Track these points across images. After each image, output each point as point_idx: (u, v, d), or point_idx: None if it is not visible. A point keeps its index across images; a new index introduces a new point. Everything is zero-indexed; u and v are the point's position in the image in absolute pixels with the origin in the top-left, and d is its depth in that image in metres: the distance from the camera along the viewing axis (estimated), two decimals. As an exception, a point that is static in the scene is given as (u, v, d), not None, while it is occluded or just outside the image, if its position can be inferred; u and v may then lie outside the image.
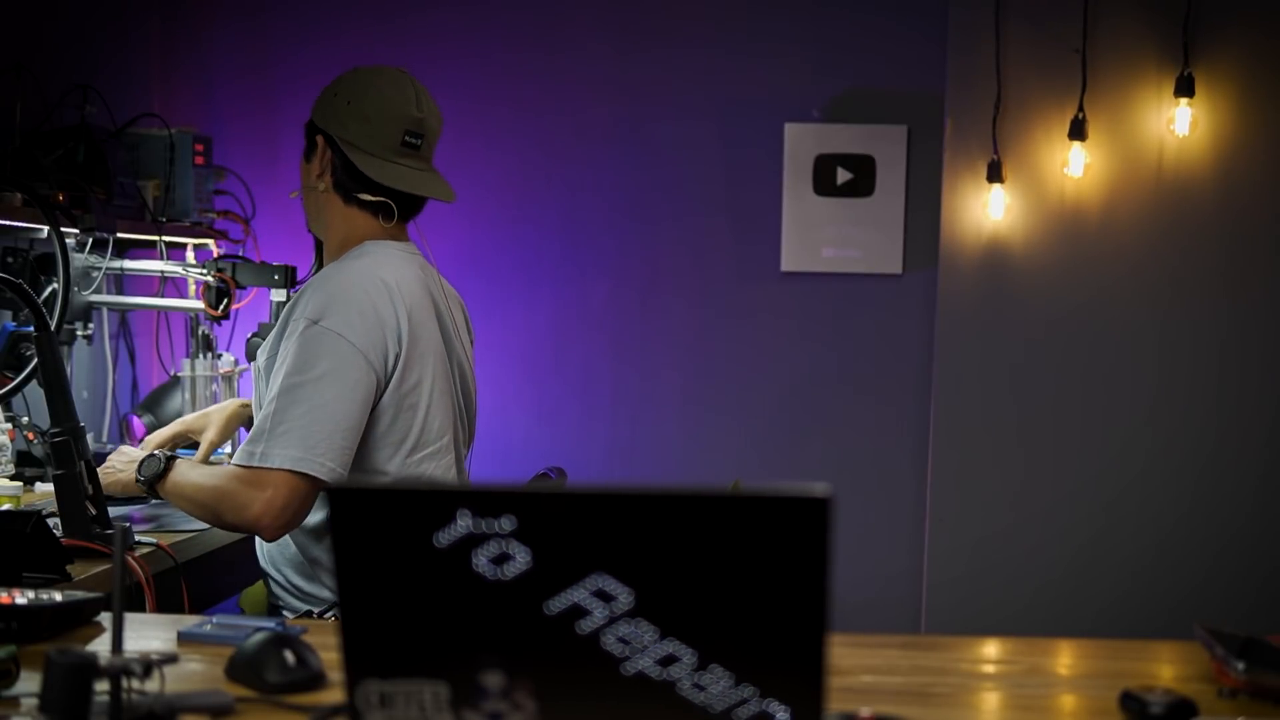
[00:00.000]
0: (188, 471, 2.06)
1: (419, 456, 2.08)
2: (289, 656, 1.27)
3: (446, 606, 0.87)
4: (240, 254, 3.19)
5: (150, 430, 3.03)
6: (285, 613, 2.13)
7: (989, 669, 1.45)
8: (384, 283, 2.03)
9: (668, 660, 0.86)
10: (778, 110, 3.45)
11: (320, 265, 2.68)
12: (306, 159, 2.15)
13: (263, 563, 2.19)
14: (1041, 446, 3.34)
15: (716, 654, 0.85)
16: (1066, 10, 3.24)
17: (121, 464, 2.17)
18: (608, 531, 0.85)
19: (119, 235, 2.80)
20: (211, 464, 2.23)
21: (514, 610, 0.86)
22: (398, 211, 2.13)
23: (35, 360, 1.93)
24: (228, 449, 2.70)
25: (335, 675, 1.26)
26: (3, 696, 1.21)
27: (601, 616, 0.85)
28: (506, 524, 0.85)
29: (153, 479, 2.06)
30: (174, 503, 2.08)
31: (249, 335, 2.67)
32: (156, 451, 2.11)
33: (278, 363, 1.99)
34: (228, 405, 2.42)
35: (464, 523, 0.85)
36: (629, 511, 0.85)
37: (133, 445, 2.99)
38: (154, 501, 2.25)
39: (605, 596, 0.85)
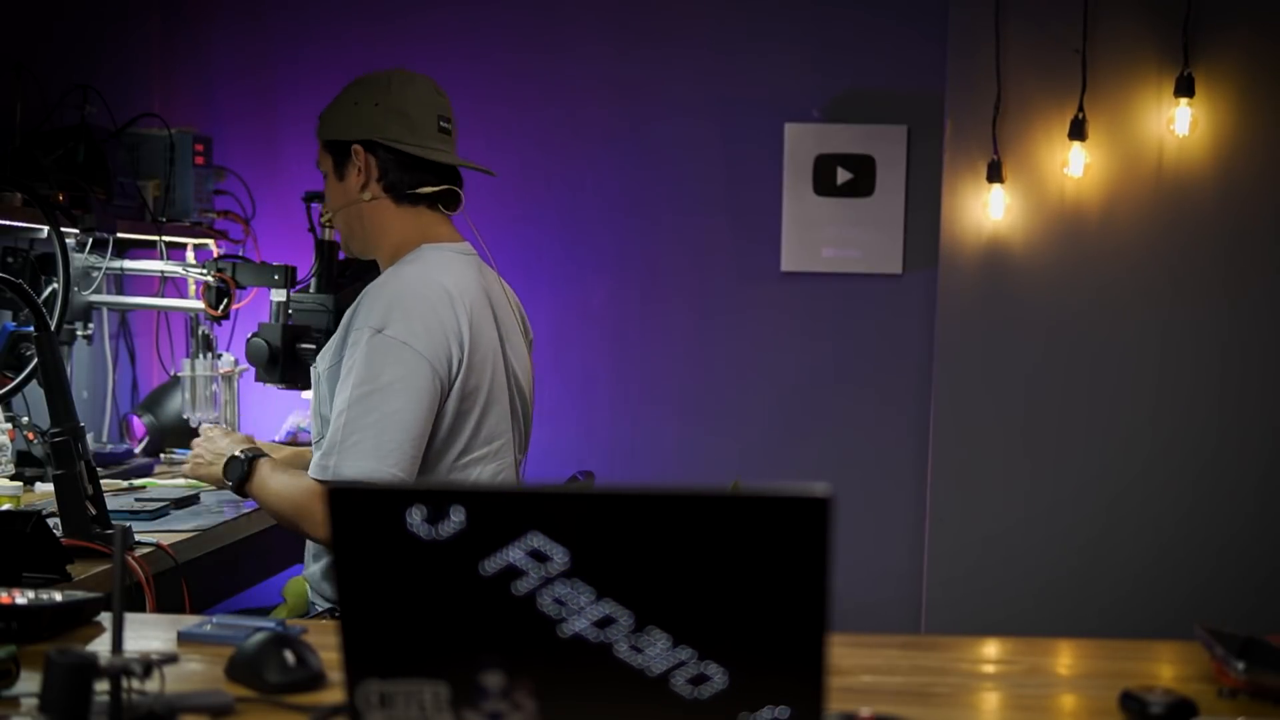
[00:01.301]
0: (268, 479, 2.09)
1: (466, 460, 2.08)
2: (289, 656, 1.27)
3: (446, 606, 0.87)
4: (240, 254, 3.19)
5: (150, 430, 3.03)
6: (317, 605, 2.16)
7: (989, 669, 1.45)
8: (444, 289, 2.04)
9: (668, 659, 0.86)
10: (778, 110, 3.45)
11: (322, 268, 2.68)
12: (339, 177, 2.14)
13: (306, 555, 2.23)
14: (1042, 446, 3.34)
15: (718, 654, 0.85)
16: (1066, 10, 3.24)
17: (211, 455, 2.19)
18: (608, 532, 0.85)
19: (119, 235, 2.80)
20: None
21: (514, 611, 0.86)
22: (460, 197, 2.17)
23: (35, 360, 1.93)
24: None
25: (335, 675, 1.26)
26: (3, 696, 1.21)
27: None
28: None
29: (239, 481, 2.11)
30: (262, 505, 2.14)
31: (249, 335, 2.66)
32: (239, 453, 2.13)
33: (342, 372, 2.00)
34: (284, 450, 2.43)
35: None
36: (629, 512, 0.85)
37: (133, 445, 3.00)
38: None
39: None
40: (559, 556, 0.85)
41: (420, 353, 1.96)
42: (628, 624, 0.85)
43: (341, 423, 1.95)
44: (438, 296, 2.02)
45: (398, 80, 2.12)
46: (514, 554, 0.85)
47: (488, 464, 2.11)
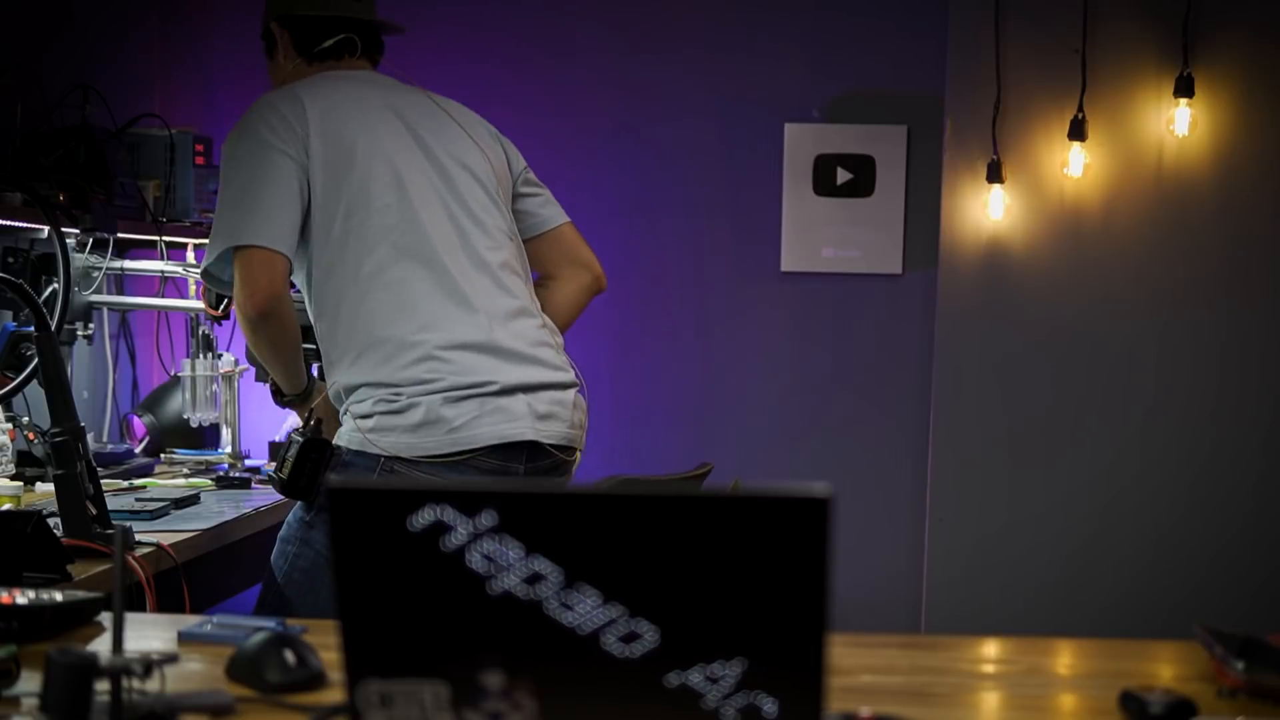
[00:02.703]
0: None
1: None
2: (289, 656, 1.27)
3: (447, 606, 0.87)
4: (240, 254, 3.19)
5: (150, 430, 3.03)
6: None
7: (989, 669, 1.45)
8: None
9: (668, 659, 0.86)
10: (778, 110, 3.45)
11: None
12: (270, 58, 2.30)
13: None
14: (1041, 446, 3.34)
15: (717, 654, 0.85)
16: (1066, 10, 3.24)
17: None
18: (608, 533, 0.85)
19: (119, 235, 2.80)
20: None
21: (515, 611, 0.86)
22: (360, 44, 2.27)
23: (36, 360, 1.93)
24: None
25: (335, 675, 1.26)
26: (3, 696, 1.21)
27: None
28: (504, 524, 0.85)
29: (276, 394, 2.25)
30: (278, 379, 2.23)
31: (249, 335, 2.66)
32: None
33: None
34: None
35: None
36: (629, 512, 0.85)
37: (133, 445, 3.00)
38: None
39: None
40: (559, 558, 0.85)
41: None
42: (628, 624, 0.85)
43: None
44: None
45: None
46: (515, 555, 0.85)
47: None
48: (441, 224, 2.10)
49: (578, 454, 2.16)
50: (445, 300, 2.06)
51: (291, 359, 2.14)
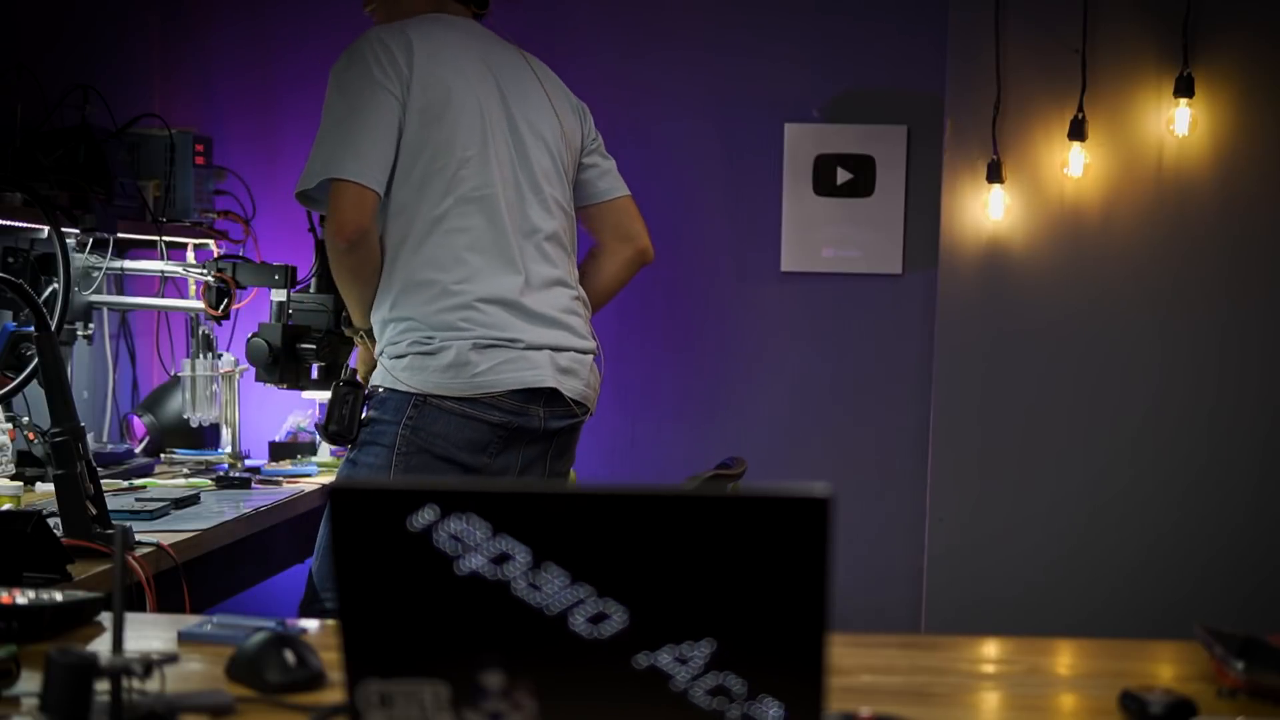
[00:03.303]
0: None
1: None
2: (289, 656, 1.27)
3: (447, 606, 0.87)
4: (240, 254, 3.19)
5: (150, 430, 3.03)
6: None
7: (989, 669, 1.45)
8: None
9: (675, 660, 0.86)
10: (778, 110, 3.45)
11: (322, 268, 2.69)
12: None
13: None
14: (1041, 446, 3.34)
15: (718, 654, 0.85)
16: (1066, 10, 3.24)
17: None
18: (608, 533, 0.85)
19: (119, 235, 2.80)
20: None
21: (515, 611, 0.86)
22: None
23: (36, 360, 1.93)
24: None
25: (335, 675, 1.26)
26: (3, 696, 1.21)
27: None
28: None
29: (344, 321, 2.39)
30: (351, 310, 2.33)
31: (249, 335, 2.67)
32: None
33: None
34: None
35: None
36: (629, 512, 0.85)
37: (133, 446, 3.00)
38: None
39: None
40: (562, 560, 0.85)
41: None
42: (627, 624, 0.86)
43: None
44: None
45: None
46: (520, 558, 0.85)
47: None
48: (508, 187, 2.22)
49: (589, 412, 2.32)
50: (493, 258, 2.19)
51: (367, 291, 2.23)
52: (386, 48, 2.17)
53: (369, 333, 2.29)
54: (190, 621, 1.51)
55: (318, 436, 2.99)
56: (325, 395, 2.57)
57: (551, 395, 2.20)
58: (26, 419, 2.57)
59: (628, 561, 0.85)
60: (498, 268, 2.18)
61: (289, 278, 2.75)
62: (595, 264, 2.47)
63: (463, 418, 2.14)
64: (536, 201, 2.26)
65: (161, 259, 2.96)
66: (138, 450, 2.97)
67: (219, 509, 2.40)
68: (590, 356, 2.30)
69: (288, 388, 2.68)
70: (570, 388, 2.23)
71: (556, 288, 2.26)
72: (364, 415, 2.21)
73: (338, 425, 2.21)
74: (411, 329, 2.17)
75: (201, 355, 2.91)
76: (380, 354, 2.23)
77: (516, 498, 0.87)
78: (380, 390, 2.20)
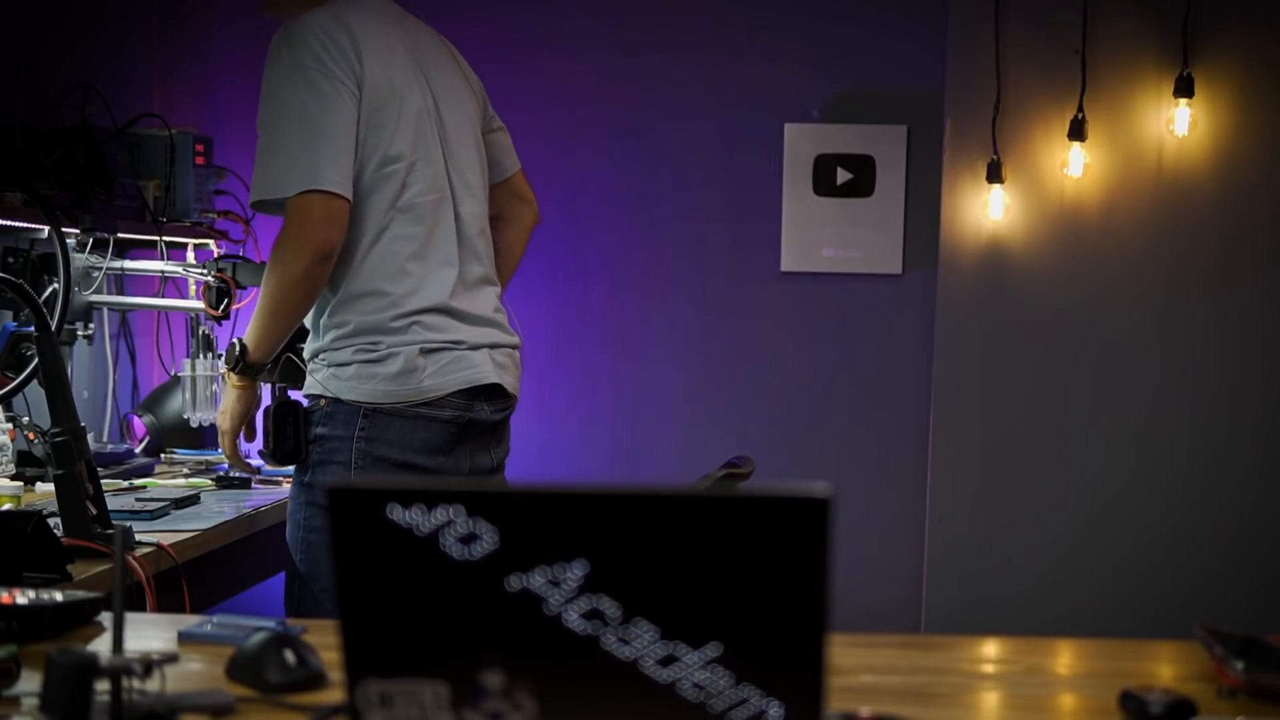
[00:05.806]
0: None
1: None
2: (289, 656, 1.27)
3: (447, 606, 0.87)
4: (240, 254, 3.19)
5: (150, 430, 3.03)
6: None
7: (989, 669, 1.45)
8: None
9: (668, 660, 0.86)
10: (778, 110, 3.45)
11: None
12: None
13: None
14: (1041, 446, 3.34)
15: (717, 654, 0.85)
16: (1066, 10, 3.24)
17: (223, 407, 2.27)
18: (608, 533, 0.85)
19: (119, 235, 2.80)
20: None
21: (515, 611, 0.86)
22: None
23: (36, 360, 1.93)
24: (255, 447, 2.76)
25: (335, 675, 1.26)
26: (3, 696, 1.22)
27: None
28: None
29: (239, 356, 2.16)
30: (264, 344, 2.16)
31: (249, 335, 2.66)
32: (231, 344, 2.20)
33: None
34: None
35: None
36: (629, 512, 0.85)
37: (133, 445, 3.00)
38: None
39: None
40: (560, 559, 0.85)
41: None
42: (625, 623, 0.85)
43: None
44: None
45: None
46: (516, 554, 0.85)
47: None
48: (443, 190, 2.20)
49: (516, 401, 2.35)
50: (434, 265, 2.17)
51: (302, 316, 2.15)
52: (334, 39, 2.04)
53: (272, 367, 2.22)
54: (190, 621, 1.51)
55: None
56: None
57: (492, 390, 2.23)
58: (27, 419, 2.57)
59: (628, 561, 0.85)
60: (438, 275, 2.17)
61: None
62: (502, 233, 2.45)
63: (416, 420, 2.12)
64: (467, 196, 2.25)
65: (161, 259, 2.96)
66: (138, 450, 2.97)
67: (219, 509, 2.40)
68: (517, 351, 2.35)
69: (287, 388, 2.68)
70: (508, 381, 2.27)
71: (485, 287, 2.28)
72: (313, 432, 2.13)
73: (287, 447, 2.14)
74: (355, 334, 2.12)
75: (201, 355, 2.91)
76: (315, 358, 2.17)
77: (516, 498, 0.87)
78: (323, 402, 2.13)
